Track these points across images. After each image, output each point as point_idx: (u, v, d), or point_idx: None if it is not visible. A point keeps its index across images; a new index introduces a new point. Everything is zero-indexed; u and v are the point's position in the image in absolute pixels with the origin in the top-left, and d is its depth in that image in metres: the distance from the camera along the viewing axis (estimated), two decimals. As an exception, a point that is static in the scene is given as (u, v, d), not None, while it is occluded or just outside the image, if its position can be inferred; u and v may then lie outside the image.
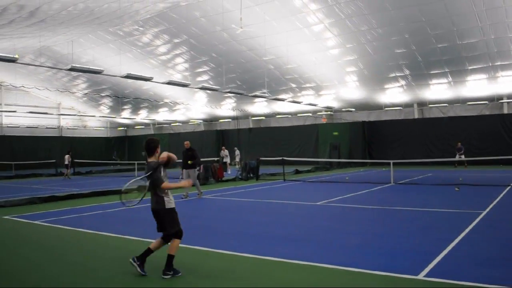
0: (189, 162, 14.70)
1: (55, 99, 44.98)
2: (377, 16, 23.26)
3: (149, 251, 5.96)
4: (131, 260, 5.93)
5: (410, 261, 6.25)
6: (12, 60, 17.23)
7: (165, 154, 5.96)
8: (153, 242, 6.14)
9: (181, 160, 14.85)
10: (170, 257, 5.76)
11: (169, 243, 5.97)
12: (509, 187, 15.73)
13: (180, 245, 7.36)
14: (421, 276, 5.48)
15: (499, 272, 5.63)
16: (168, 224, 5.91)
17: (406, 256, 6.55)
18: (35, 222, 10.53)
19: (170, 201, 5.91)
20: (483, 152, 28.32)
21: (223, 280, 5.68)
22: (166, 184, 5.84)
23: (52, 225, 10.08)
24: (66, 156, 27.62)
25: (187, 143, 15.19)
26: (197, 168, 15.62)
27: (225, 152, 29.51)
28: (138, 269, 5.82)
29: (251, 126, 41.83)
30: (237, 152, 31.87)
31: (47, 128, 45.50)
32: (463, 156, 27.23)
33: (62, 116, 46.37)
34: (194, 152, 14.88)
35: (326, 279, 5.64)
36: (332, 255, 6.77)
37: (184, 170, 14.90)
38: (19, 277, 6.05)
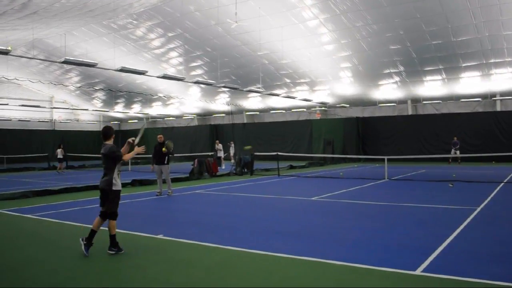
0: (167, 156, 13.97)
1: (48, 92, 44.64)
2: (372, 12, 23.25)
3: (93, 232, 6.68)
4: (80, 239, 6.64)
5: (407, 256, 6.27)
6: (4, 53, 17.06)
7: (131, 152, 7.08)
8: (94, 223, 6.77)
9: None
10: (113, 237, 6.64)
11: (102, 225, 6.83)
12: (502, 183, 15.84)
13: (177, 239, 7.40)
14: (418, 272, 5.49)
15: (496, 268, 5.66)
16: (110, 203, 6.72)
17: (403, 251, 6.57)
18: (28, 215, 10.45)
19: (117, 184, 6.77)
20: (476, 149, 28.47)
21: (217, 275, 5.66)
22: (126, 155, 6.93)
23: (46, 218, 10.00)
24: (59, 150, 27.34)
25: (160, 137, 14.30)
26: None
27: (219, 146, 29.42)
28: (83, 248, 6.52)
29: (245, 121, 41.78)
30: (232, 146, 31.77)
31: (39, 121, 45.17)
32: (458, 152, 27.34)
33: (54, 110, 46.05)
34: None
35: (321, 274, 5.64)
36: (327, 250, 6.77)
37: (156, 166, 14.09)
38: (13, 271, 6.00)
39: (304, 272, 5.69)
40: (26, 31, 26.16)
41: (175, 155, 16.65)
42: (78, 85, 40.19)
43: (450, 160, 29.39)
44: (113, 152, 6.73)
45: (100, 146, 6.96)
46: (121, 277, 5.70)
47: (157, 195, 14.06)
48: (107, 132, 6.94)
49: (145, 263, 6.16)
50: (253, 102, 38.96)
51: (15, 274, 5.86)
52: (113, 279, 5.59)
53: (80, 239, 6.64)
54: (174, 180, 18.60)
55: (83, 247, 6.53)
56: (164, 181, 14.29)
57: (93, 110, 45.38)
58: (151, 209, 11.78)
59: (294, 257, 6.30)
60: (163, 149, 13.81)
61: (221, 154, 29.10)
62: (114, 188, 6.71)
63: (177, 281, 5.47)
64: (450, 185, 15.21)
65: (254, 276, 5.59)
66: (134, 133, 47.68)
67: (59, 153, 27.20)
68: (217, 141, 30.91)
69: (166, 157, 14.00)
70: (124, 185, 16.53)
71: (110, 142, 6.89)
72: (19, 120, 42.63)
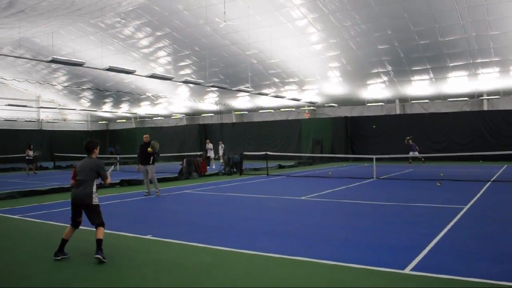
0: (153, 156, 13.82)
1: (35, 91, 44.15)
2: (360, 12, 23.33)
3: (64, 241, 6.56)
4: (54, 258, 6.43)
5: (395, 255, 6.29)
6: (-10, 51, 16.84)
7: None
8: (65, 231, 6.64)
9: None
10: (100, 241, 6.38)
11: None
12: (489, 182, 16.00)
13: (166, 239, 7.37)
14: (407, 270, 5.51)
15: (484, 266, 5.71)
16: (96, 216, 6.58)
17: (392, 250, 6.59)
18: (15, 216, 10.33)
19: (96, 197, 6.66)
20: (463, 148, 28.72)
21: (206, 275, 5.64)
22: (109, 179, 6.81)
23: (33, 219, 9.90)
24: (27, 151, 25.86)
25: (146, 137, 14.18)
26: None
27: (209, 146, 29.36)
28: (63, 257, 6.48)
29: (234, 120, 41.72)
30: (221, 146, 31.72)
31: (26, 121, 44.67)
32: (416, 153, 27.32)
33: (42, 109, 45.59)
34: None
35: (311, 273, 5.64)
36: (317, 249, 6.77)
37: (142, 166, 13.97)
38: (0, 272, 5.92)
39: (293, 272, 5.69)
40: (13, 30, 25.85)
41: (161, 155, 16.50)
42: (66, 84, 39.80)
43: (410, 161, 29.14)
44: (101, 168, 6.71)
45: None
46: (109, 277, 5.65)
47: (145, 195, 13.96)
48: (90, 146, 6.83)
49: (134, 263, 6.12)
50: (242, 101, 38.92)
51: (1, 275, 5.77)
52: (102, 280, 5.54)
53: (54, 258, 6.43)
54: (163, 180, 18.56)
55: (63, 256, 6.48)
56: (150, 181, 14.19)
57: (80, 110, 45.00)
58: (140, 209, 11.71)
59: (284, 256, 6.30)
60: (148, 149, 13.65)
61: (211, 153, 29.06)
62: (94, 202, 6.59)
63: (166, 281, 5.43)
64: (438, 184, 15.32)
65: (243, 276, 5.58)
66: (123, 132, 47.39)
67: (31, 153, 25.81)
68: (208, 141, 30.85)
69: (152, 157, 13.84)
70: (112, 185, 16.45)
71: (93, 156, 6.82)
72: (5, 120, 42.09)
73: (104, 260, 6.18)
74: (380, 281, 5.24)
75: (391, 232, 7.91)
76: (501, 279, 5.09)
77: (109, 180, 6.83)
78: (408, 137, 28.36)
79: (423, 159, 28.67)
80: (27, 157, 25.80)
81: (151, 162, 13.86)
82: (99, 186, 6.93)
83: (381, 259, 6.04)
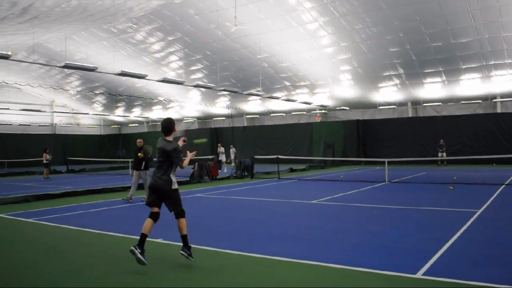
0: (145, 161, 13.26)
1: (48, 96, 44.67)
2: (371, 15, 23.27)
3: (144, 236, 6.11)
4: (132, 247, 5.96)
5: (407, 259, 6.24)
6: (5, 57, 17.06)
7: (181, 142, 6.52)
8: (144, 226, 6.22)
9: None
10: (185, 236, 6.22)
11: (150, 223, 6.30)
12: (503, 185, 15.81)
13: (175, 243, 7.37)
14: (419, 275, 5.46)
15: (496, 271, 5.64)
16: (175, 203, 6.27)
17: (404, 254, 6.55)
18: (29, 220, 10.44)
19: (175, 182, 6.30)
20: (476, 151, 28.43)
21: (217, 278, 5.65)
22: (185, 162, 6.44)
23: (47, 223, 9.99)
24: (44, 155, 25.75)
25: (139, 141, 13.69)
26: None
27: (221, 150, 29.40)
28: (140, 256, 5.91)
29: (245, 124, 41.77)
30: (233, 149, 31.73)
31: (40, 125, 45.20)
32: (444, 154, 27.26)
33: (55, 114, 46.08)
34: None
35: (322, 277, 5.63)
36: (328, 253, 6.75)
37: (135, 171, 13.44)
38: (15, 275, 5.99)
39: (303, 276, 5.67)
40: (27, 36, 26.23)
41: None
42: (79, 89, 40.23)
43: (439, 163, 29.23)
44: (178, 152, 6.30)
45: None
46: (121, 281, 5.68)
47: (123, 199, 13.48)
48: (168, 126, 6.42)
49: (144, 267, 6.14)
50: (253, 105, 38.97)
51: (15, 278, 5.84)
52: (113, 284, 5.58)
53: (132, 247, 5.96)
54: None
55: (140, 255, 5.91)
56: (141, 187, 13.53)
57: (93, 114, 45.42)
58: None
59: (294, 260, 6.28)
60: (139, 154, 13.21)
61: (222, 157, 29.09)
62: (174, 187, 6.27)
63: (176, 285, 5.45)
64: (451, 188, 15.19)
65: (253, 280, 5.58)
66: (135, 136, 47.66)
67: (45, 157, 25.64)
68: (219, 144, 30.91)
69: (144, 163, 13.32)
70: (124, 188, 16.53)
71: (170, 138, 6.41)
72: (20, 125, 42.65)
73: (191, 258, 6.12)
74: (391, 285, 5.21)
75: (403, 236, 7.86)
76: (514, 284, 5.02)
77: (185, 162, 6.43)
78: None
79: (445, 162, 28.59)
80: (44, 161, 25.72)
81: (143, 168, 13.33)
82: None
83: (393, 263, 6.01)
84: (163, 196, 6.30)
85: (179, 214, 6.29)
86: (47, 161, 25.74)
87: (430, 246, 6.86)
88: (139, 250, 5.94)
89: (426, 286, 5.15)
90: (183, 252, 6.15)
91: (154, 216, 6.30)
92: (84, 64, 20.96)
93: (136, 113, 46.40)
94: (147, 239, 6.22)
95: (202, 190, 16.99)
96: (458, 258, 6.27)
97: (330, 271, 5.84)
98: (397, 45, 25.73)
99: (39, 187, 19.76)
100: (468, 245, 7.04)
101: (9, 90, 41.07)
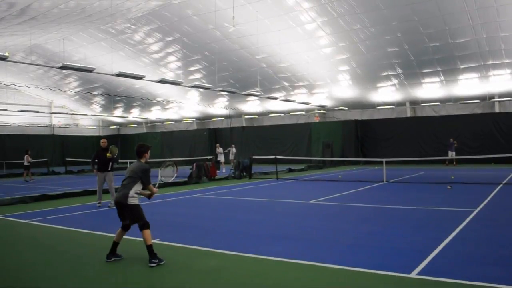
0: (112, 162, 12.79)
1: (47, 97, 44.64)
2: (369, 15, 23.29)
3: (115, 244, 6.65)
4: (106, 260, 6.53)
5: (403, 259, 6.26)
6: (2, 58, 17.07)
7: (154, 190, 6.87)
8: (116, 235, 6.71)
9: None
10: (150, 247, 6.32)
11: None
12: (501, 185, 15.83)
13: (173, 243, 7.40)
14: (413, 275, 5.48)
15: (492, 271, 5.65)
16: (134, 216, 6.55)
17: (399, 254, 6.56)
18: (27, 221, 10.45)
19: (134, 197, 6.58)
20: (475, 150, 28.45)
21: (215, 279, 5.66)
22: (153, 189, 6.81)
23: (44, 224, 10.00)
24: (26, 156, 24.78)
25: (103, 141, 13.14)
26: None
27: (219, 150, 29.36)
28: (116, 258, 6.59)
29: (244, 124, 41.79)
30: (233, 150, 31.65)
31: (38, 126, 45.17)
32: (454, 154, 27.37)
33: (53, 115, 46.04)
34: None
35: (319, 277, 5.64)
36: (325, 253, 6.77)
37: (99, 173, 12.70)
38: (12, 276, 6.00)
39: (299, 276, 5.69)
40: (25, 37, 26.21)
41: (172, 159, 16.44)
42: (77, 90, 40.21)
43: (447, 162, 29.35)
44: (146, 171, 6.64)
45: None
46: (117, 281, 5.70)
47: (98, 205, 12.78)
48: (139, 150, 6.82)
49: (141, 267, 6.16)
50: (252, 105, 38.98)
51: (13, 279, 5.85)
52: (113, 284, 5.59)
53: (106, 260, 6.51)
54: (173, 184, 18.54)
55: (116, 258, 6.59)
56: (107, 191, 13.17)
57: (92, 115, 45.42)
58: (148, 214, 11.71)
59: (290, 260, 6.30)
60: (107, 154, 12.63)
61: (221, 158, 29.05)
62: (129, 202, 6.49)
63: (172, 285, 5.47)
64: (449, 187, 15.21)
65: (249, 280, 5.59)
66: (134, 137, 47.56)
67: (26, 159, 24.71)
68: (218, 145, 30.87)
69: (110, 163, 12.82)
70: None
71: (143, 161, 6.78)
72: (18, 126, 42.64)
73: (162, 261, 6.31)
74: (386, 285, 5.22)
75: (399, 236, 7.87)
76: (510, 283, 5.04)
77: (155, 190, 6.80)
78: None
79: (454, 162, 28.65)
80: (26, 163, 24.80)
81: (109, 169, 12.80)
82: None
83: (388, 263, 6.02)
84: (123, 209, 6.58)
85: (142, 226, 6.48)
86: (29, 163, 24.85)
87: (425, 246, 6.88)
88: (112, 259, 6.54)
89: (421, 285, 5.16)
90: (153, 265, 6.21)
91: (125, 227, 6.71)
92: (82, 65, 20.95)
93: (135, 114, 46.40)
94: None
95: (200, 190, 17.00)
96: (454, 258, 6.28)
97: (326, 271, 5.85)
98: (395, 45, 25.76)
99: (37, 188, 19.74)
100: (465, 245, 7.05)
101: (7, 91, 41.06)
